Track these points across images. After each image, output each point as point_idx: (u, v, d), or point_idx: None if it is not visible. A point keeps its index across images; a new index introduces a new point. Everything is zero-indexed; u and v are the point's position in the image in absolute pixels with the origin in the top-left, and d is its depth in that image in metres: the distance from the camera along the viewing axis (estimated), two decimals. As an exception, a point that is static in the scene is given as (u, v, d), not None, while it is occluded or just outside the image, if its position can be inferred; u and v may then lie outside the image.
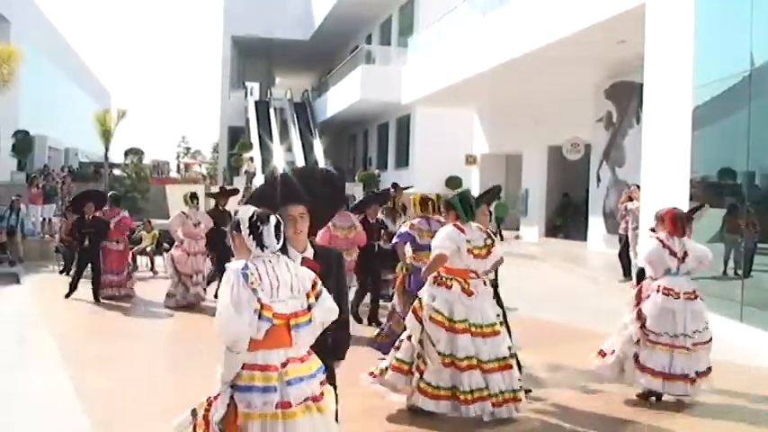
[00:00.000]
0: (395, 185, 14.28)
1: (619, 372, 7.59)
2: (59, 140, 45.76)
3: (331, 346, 4.54)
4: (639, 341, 7.45)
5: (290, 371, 4.02)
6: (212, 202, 14.81)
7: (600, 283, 15.65)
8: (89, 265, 13.69)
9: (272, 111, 46.25)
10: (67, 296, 13.65)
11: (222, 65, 49.59)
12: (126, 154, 39.67)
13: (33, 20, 42.00)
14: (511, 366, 6.71)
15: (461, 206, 6.93)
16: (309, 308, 4.17)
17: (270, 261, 4.10)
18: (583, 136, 23.55)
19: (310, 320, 4.14)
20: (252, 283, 3.96)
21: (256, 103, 47.73)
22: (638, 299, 7.54)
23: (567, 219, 26.83)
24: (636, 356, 7.44)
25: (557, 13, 18.02)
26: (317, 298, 4.21)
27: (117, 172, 39.61)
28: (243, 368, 3.99)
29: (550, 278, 16.93)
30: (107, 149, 38.34)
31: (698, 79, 12.14)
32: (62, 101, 47.03)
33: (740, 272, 10.93)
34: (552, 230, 26.91)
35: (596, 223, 22.49)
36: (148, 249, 18.81)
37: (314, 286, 4.22)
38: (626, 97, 20.69)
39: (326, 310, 4.24)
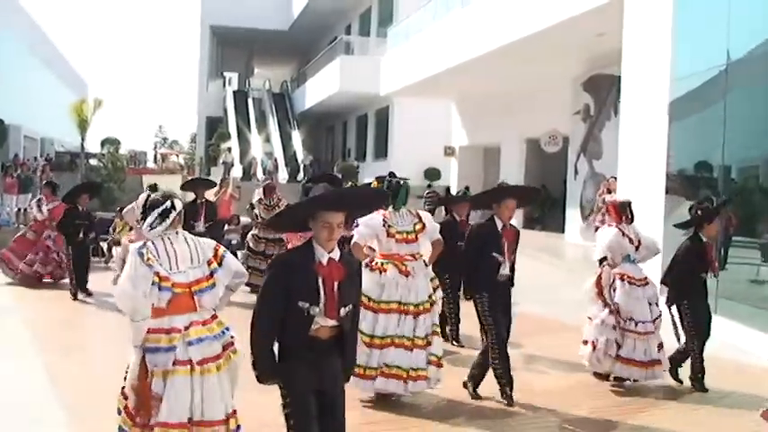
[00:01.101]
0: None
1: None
2: (35, 130, 45.38)
3: (342, 360, 4.35)
4: (616, 328, 7.69)
5: (192, 332, 4.56)
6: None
7: (576, 275, 15.69)
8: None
9: (250, 101, 46.15)
10: (76, 297, 12.74)
11: (200, 54, 49.35)
12: (102, 144, 39.49)
13: (8, 8, 41.55)
14: (429, 344, 7.01)
15: (392, 194, 7.17)
16: (212, 274, 4.68)
17: (168, 238, 4.66)
18: (561, 128, 23.61)
19: (213, 285, 4.67)
20: (148, 260, 4.50)
21: (234, 93, 47.60)
22: (599, 287, 7.79)
23: (544, 211, 26.91)
24: (618, 347, 7.67)
25: (536, 4, 18.03)
26: (219, 263, 4.73)
27: (93, 162, 39.32)
28: (151, 332, 4.53)
29: (527, 270, 16.83)
30: (83, 139, 38.04)
31: (675, 72, 12.20)
32: (38, 90, 46.59)
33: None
34: (530, 222, 26.97)
35: (573, 215, 22.58)
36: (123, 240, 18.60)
37: (215, 254, 4.74)
38: (604, 90, 20.76)
39: (231, 273, 4.77)
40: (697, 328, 7.68)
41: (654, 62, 12.83)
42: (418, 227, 7.17)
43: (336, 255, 4.21)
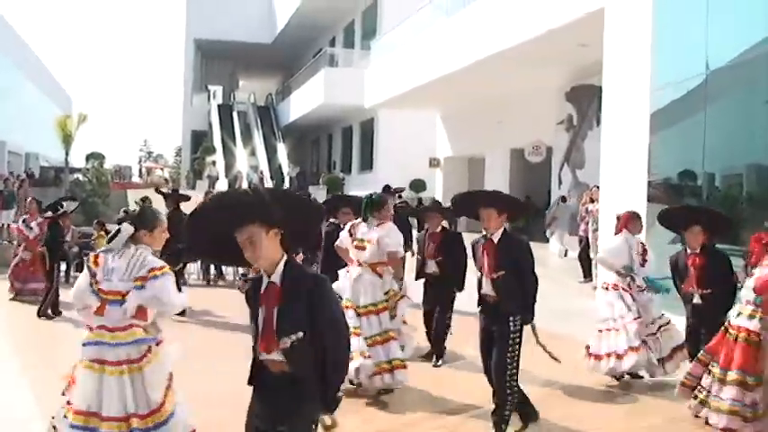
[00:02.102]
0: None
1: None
2: (19, 145, 45.17)
3: (321, 388, 3.79)
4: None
5: (93, 335, 5.11)
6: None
7: (561, 285, 15.76)
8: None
9: (235, 114, 46.14)
10: (55, 314, 12.46)
11: (185, 68, 49.32)
12: (87, 158, 39.23)
13: (-8, 23, 41.46)
14: (392, 338, 7.59)
15: (362, 207, 7.92)
16: (128, 291, 5.08)
17: (118, 251, 5.21)
18: (544, 138, 23.72)
19: (123, 301, 5.07)
20: (89, 267, 5.21)
21: (219, 106, 47.57)
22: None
23: (528, 221, 26.95)
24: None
25: (519, 15, 18.15)
26: (142, 285, 5.07)
27: (78, 177, 39.18)
28: (87, 327, 5.24)
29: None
30: (68, 154, 37.93)
31: (655, 82, 12.31)
32: (23, 105, 46.42)
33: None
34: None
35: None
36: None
37: (145, 277, 5.08)
38: (586, 100, 20.89)
39: (153, 298, 5.07)
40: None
41: (634, 72, 12.94)
42: (370, 237, 7.71)
43: (278, 277, 3.76)
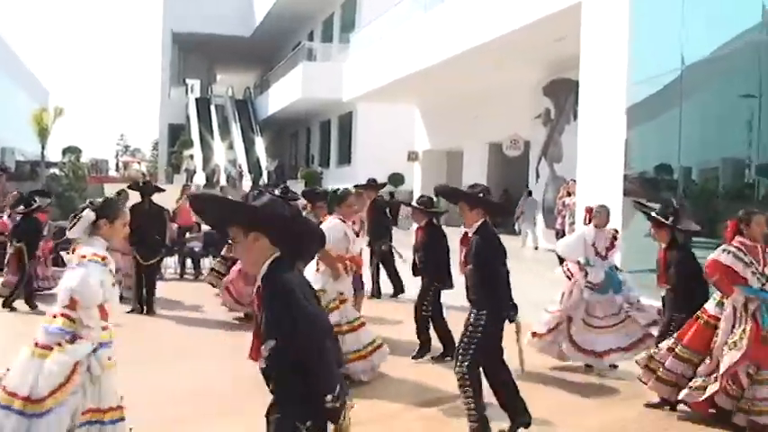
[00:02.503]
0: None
1: None
2: (-5, 139, 44.79)
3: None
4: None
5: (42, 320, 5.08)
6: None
7: (537, 276, 15.81)
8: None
9: (213, 108, 45.96)
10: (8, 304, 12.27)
11: (162, 61, 49.03)
12: (64, 152, 38.94)
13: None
14: (361, 325, 7.72)
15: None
16: None
17: (85, 242, 5.11)
18: (522, 133, 23.79)
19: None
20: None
21: (197, 100, 47.37)
22: None
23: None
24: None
25: (497, 9, 18.19)
26: None
27: (54, 171, 38.86)
28: None
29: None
30: (44, 148, 37.63)
31: (631, 77, 12.38)
32: (-2, 99, 46.01)
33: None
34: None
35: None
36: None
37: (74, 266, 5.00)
38: (563, 94, 20.97)
39: (63, 286, 4.95)
40: None
41: (610, 67, 13.00)
42: None
43: (260, 279, 3.53)
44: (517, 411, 6.16)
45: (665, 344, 6.96)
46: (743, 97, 10.16)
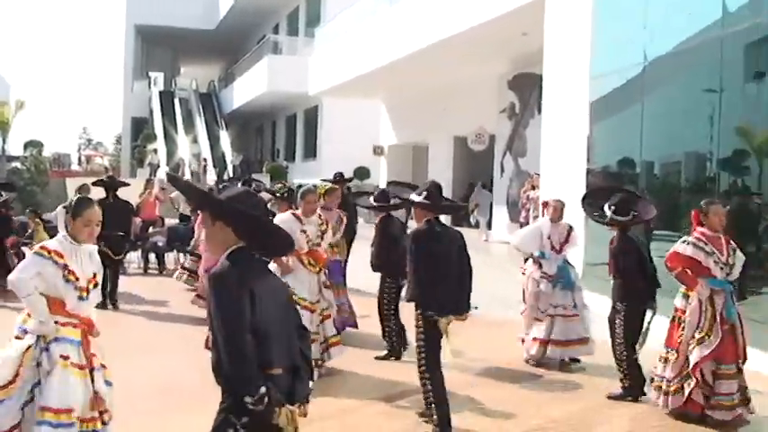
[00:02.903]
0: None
1: None
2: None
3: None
4: None
5: None
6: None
7: (503, 271, 15.91)
8: None
9: (176, 101, 45.57)
10: None
11: (125, 54, 48.61)
12: (25, 146, 38.43)
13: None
14: (327, 317, 7.72)
15: None
16: None
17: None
18: (487, 127, 23.86)
19: None
20: None
21: (160, 93, 46.96)
22: None
23: (472, 209, 27.16)
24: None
25: (462, 3, 18.22)
26: None
27: (16, 165, 38.34)
28: None
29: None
30: (5, 141, 37.13)
31: (594, 71, 12.48)
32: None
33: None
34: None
35: (500, 212, 22.88)
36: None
37: None
38: (528, 89, 21.06)
39: None
40: None
41: (574, 61, 13.10)
42: None
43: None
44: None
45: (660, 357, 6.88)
46: (704, 92, 10.27)
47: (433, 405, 6.06)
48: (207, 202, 3.75)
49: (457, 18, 18.35)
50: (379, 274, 8.89)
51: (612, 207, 7.43)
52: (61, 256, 4.78)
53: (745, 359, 6.59)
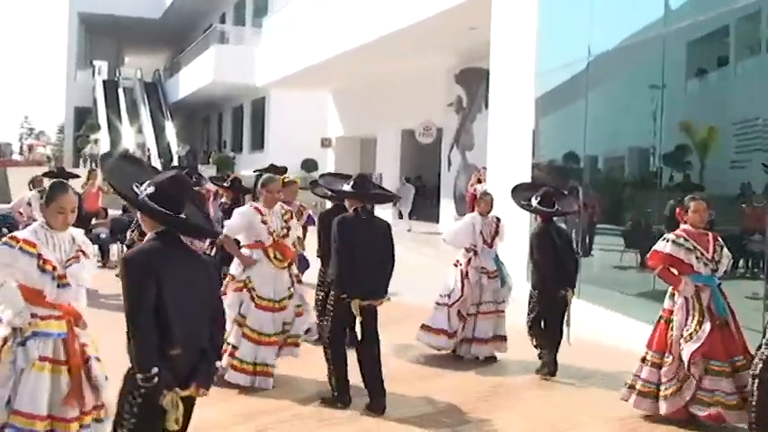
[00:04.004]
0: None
1: None
2: None
3: None
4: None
5: None
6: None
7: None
8: None
9: (121, 91, 44.83)
10: None
11: (68, 42, 47.75)
12: (-37, 135, 37.63)
13: None
14: (301, 314, 7.55)
15: None
16: None
17: None
18: (435, 120, 23.94)
19: None
20: None
21: (104, 82, 46.16)
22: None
23: (419, 201, 27.29)
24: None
25: (410, -3, 18.24)
26: None
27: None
28: None
29: (402, 260, 17.10)
30: (-58, 130, 36.25)
31: (540, 66, 12.58)
32: None
33: (579, 251, 11.42)
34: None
35: (447, 206, 22.99)
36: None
37: None
38: (475, 83, 21.17)
39: None
40: None
41: (520, 56, 13.19)
42: None
43: None
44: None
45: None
46: (647, 88, 10.42)
47: (333, 374, 6.63)
48: (123, 196, 4.01)
49: (405, 11, 18.35)
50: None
51: (538, 198, 7.87)
52: (33, 246, 4.54)
53: (748, 357, 6.26)
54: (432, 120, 24.10)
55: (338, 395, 6.61)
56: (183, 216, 3.83)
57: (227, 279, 7.47)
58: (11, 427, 4.44)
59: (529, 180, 12.56)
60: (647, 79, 10.41)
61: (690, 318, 6.38)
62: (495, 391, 7.44)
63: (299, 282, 7.75)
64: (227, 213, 10.86)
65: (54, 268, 4.57)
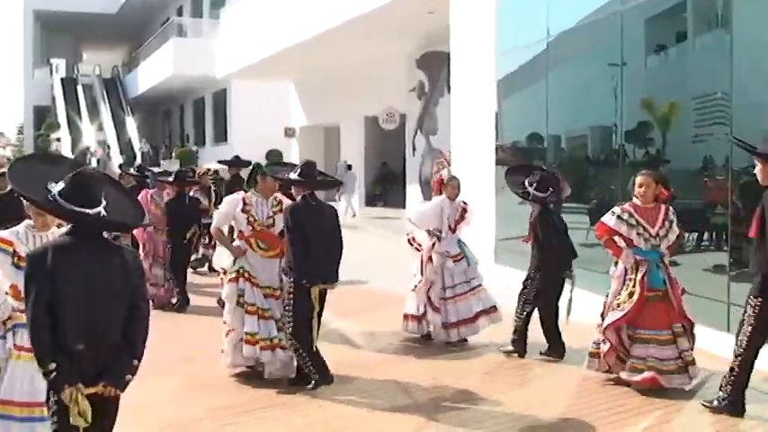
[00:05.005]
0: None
1: None
2: None
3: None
4: None
5: None
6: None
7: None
8: None
9: (79, 88, 44.35)
10: None
11: (24, 41, 47.26)
12: None
13: None
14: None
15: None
16: None
17: None
18: (398, 106, 23.92)
19: None
20: None
21: (63, 80, 45.65)
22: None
23: (385, 187, 27.30)
24: None
25: (367, -18, 18.15)
26: None
27: None
28: None
29: (370, 246, 17.16)
30: None
31: (500, 48, 12.58)
32: None
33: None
34: (372, 199, 27.30)
35: (413, 191, 22.98)
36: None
37: None
38: (436, 67, 21.16)
39: None
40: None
41: (480, 39, 13.18)
42: None
43: None
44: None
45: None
46: (607, 66, 10.45)
47: (307, 362, 6.66)
48: (30, 200, 4.06)
49: (363, -3, 18.27)
50: None
51: (534, 184, 7.78)
52: (8, 243, 4.83)
53: (687, 325, 6.69)
54: (394, 106, 24.07)
55: (320, 377, 6.70)
56: (91, 211, 3.73)
57: (220, 274, 7.72)
58: (4, 418, 4.78)
59: (493, 162, 12.63)
60: (607, 57, 10.44)
61: (624, 288, 6.74)
62: (467, 376, 7.42)
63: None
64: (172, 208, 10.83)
65: None
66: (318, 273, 6.63)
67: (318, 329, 6.81)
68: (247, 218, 7.27)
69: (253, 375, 7.14)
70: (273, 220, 7.35)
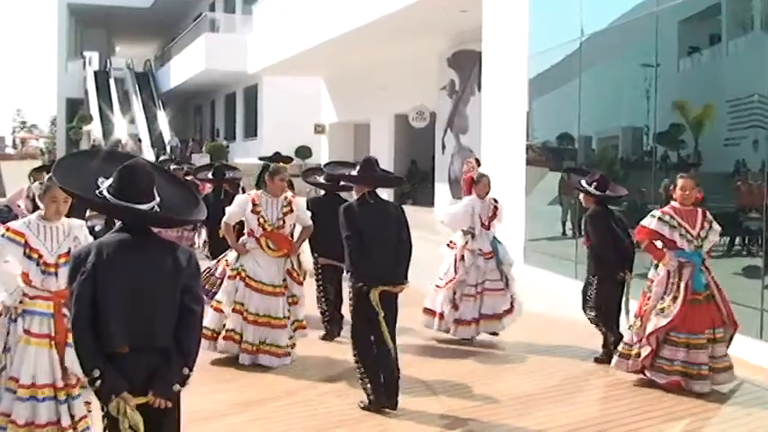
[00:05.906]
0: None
1: None
2: None
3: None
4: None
5: None
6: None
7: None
8: None
9: (112, 81, 44.70)
10: None
11: (58, 34, 47.54)
12: (-43, 130, 37.49)
13: None
14: (296, 302, 7.52)
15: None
16: None
17: None
18: (428, 104, 23.86)
19: None
20: None
21: (96, 73, 46.00)
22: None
23: (414, 186, 27.25)
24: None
25: (400, -19, 18.12)
26: None
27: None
28: None
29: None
30: (-66, 124, 36.10)
31: (532, 48, 12.53)
32: None
33: (576, 232, 11.43)
34: (401, 197, 27.27)
35: (442, 189, 22.93)
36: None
37: None
38: (468, 66, 21.09)
39: None
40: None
41: (512, 38, 13.13)
42: None
43: None
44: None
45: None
46: (640, 67, 10.38)
47: (364, 377, 6.20)
48: (81, 199, 3.74)
49: (396, -5, 18.24)
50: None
51: (594, 183, 7.70)
52: (20, 235, 4.94)
53: (732, 328, 6.67)
54: (425, 104, 24.03)
55: (374, 399, 6.15)
56: (143, 207, 3.48)
57: (221, 264, 7.75)
58: (10, 392, 4.91)
59: (524, 161, 12.59)
60: (641, 58, 10.37)
61: (667, 292, 6.65)
62: (494, 377, 7.41)
63: (292, 276, 7.56)
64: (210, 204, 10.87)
65: (40, 256, 4.95)
66: (378, 274, 6.12)
67: (393, 336, 6.24)
68: (257, 219, 7.33)
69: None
70: (283, 220, 7.42)
